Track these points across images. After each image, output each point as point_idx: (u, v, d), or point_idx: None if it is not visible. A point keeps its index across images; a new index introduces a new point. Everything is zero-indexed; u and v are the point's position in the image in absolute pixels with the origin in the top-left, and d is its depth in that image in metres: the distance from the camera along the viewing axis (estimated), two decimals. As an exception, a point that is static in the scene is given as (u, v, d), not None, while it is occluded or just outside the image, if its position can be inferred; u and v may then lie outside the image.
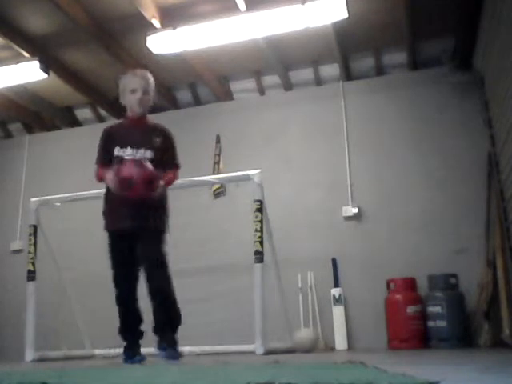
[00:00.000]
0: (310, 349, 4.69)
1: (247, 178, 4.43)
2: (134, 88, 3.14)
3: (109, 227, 3.21)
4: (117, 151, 3.10)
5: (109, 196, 3.18)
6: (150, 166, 2.92)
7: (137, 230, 3.04)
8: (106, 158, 3.15)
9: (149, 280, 2.99)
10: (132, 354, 3.07)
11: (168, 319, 3.01)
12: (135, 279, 3.12)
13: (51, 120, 7.09)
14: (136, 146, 3.09)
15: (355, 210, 5.55)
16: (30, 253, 4.74)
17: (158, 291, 2.99)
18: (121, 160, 3.03)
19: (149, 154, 3.09)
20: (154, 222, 3.06)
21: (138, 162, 2.91)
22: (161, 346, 2.95)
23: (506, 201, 4.60)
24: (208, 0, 4.88)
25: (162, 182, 3.02)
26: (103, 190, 4.88)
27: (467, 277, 4.92)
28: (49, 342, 5.10)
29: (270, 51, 5.55)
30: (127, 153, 3.07)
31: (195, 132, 6.20)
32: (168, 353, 2.90)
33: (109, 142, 3.18)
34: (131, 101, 3.15)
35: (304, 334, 4.88)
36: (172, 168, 3.20)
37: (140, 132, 3.17)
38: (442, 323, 4.68)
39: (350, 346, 5.18)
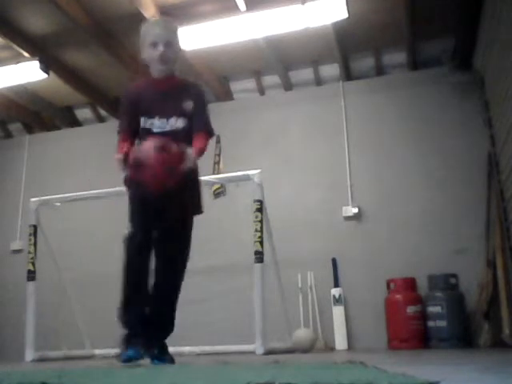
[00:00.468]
0: (308, 348, 4.69)
1: (247, 178, 4.42)
2: (153, 41, 2.63)
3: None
4: (143, 122, 2.61)
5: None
6: (172, 147, 2.35)
7: (165, 204, 2.57)
8: (132, 125, 2.64)
9: (158, 276, 2.61)
10: (132, 346, 2.53)
11: (164, 325, 2.69)
12: (151, 238, 2.63)
13: (51, 120, 7.09)
14: (165, 114, 2.59)
15: (355, 210, 5.55)
16: (30, 253, 4.74)
17: (164, 292, 2.63)
18: (148, 133, 2.57)
19: (181, 122, 2.59)
20: (186, 199, 2.63)
21: (158, 144, 2.32)
22: (152, 354, 2.59)
23: (506, 201, 4.60)
24: (208, 0, 4.88)
25: (191, 156, 2.42)
26: (103, 190, 4.92)
27: (467, 277, 4.92)
28: (49, 342, 5.10)
29: (270, 51, 5.55)
30: (156, 125, 2.59)
31: (195, 132, 6.21)
32: (163, 360, 2.59)
33: (134, 106, 2.66)
34: (151, 56, 2.64)
35: (302, 334, 4.88)
36: (200, 134, 2.60)
37: (168, 95, 2.64)
38: (442, 323, 4.69)
39: (350, 346, 5.18)
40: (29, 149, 7.04)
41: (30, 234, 4.77)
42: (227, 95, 6.38)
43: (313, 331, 5.11)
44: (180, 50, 2.76)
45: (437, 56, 5.67)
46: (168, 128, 2.59)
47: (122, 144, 2.61)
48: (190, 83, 2.79)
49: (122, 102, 2.77)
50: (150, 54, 2.65)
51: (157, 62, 2.64)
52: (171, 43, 2.65)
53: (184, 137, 2.56)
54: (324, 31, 5.18)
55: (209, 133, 2.66)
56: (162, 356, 2.62)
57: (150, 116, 2.61)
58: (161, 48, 2.62)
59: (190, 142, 2.56)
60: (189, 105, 2.63)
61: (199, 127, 2.62)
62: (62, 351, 4.82)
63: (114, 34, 5.35)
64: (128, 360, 2.47)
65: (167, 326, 2.71)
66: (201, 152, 2.57)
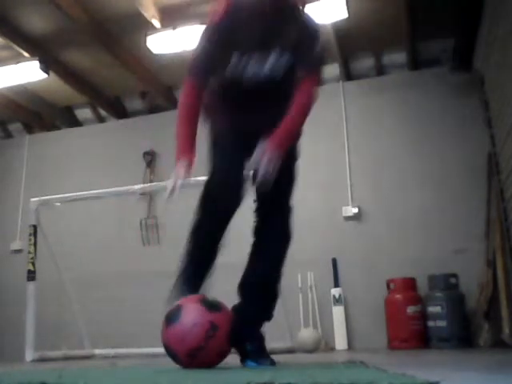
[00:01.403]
0: (312, 349, 4.69)
1: (247, 178, 4.41)
2: None
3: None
4: (234, 64, 1.91)
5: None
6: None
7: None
8: (209, 68, 1.95)
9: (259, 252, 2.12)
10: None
11: (260, 311, 2.27)
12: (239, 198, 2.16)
13: (51, 120, 7.09)
14: (266, 48, 1.89)
15: (355, 210, 5.55)
16: (30, 253, 4.74)
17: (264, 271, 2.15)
18: (235, 81, 1.93)
19: (285, 59, 1.92)
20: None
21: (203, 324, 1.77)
22: (244, 352, 2.09)
23: (505, 201, 4.60)
24: (208, 0, 4.88)
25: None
26: (103, 190, 4.92)
27: (467, 277, 4.92)
28: (49, 341, 5.10)
29: (270, 51, 5.55)
30: (251, 66, 1.91)
31: (195, 132, 6.20)
32: (259, 361, 2.06)
33: (224, 40, 1.93)
34: None
35: (306, 335, 4.88)
36: (302, 87, 1.93)
37: (269, 21, 1.88)
38: (442, 323, 4.68)
39: (350, 346, 5.18)
40: (29, 149, 7.04)
41: (30, 234, 4.77)
42: (227, 95, 6.38)
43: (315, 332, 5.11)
44: None
45: (437, 56, 5.67)
46: (265, 73, 1.94)
47: (186, 124, 1.91)
48: (297, 8, 2.01)
49: (209, 31, 2.02)
50: None
51: None
52: None
53: (285, 88, 1.92)
54: (324, 31, 5.18)
55: (314, 75, 1.94)
56: (258, 356, 2.07)
57: (246, 51, 1.89)
58: None
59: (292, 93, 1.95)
60: (294, 34, 1.92)
61: (301, 68, 1.89)
62: (62, 351, 4.82)
63: (114, 34, 5.34)
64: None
65: (267, 310, 2.27)
66: (290, 136, 1.94)
